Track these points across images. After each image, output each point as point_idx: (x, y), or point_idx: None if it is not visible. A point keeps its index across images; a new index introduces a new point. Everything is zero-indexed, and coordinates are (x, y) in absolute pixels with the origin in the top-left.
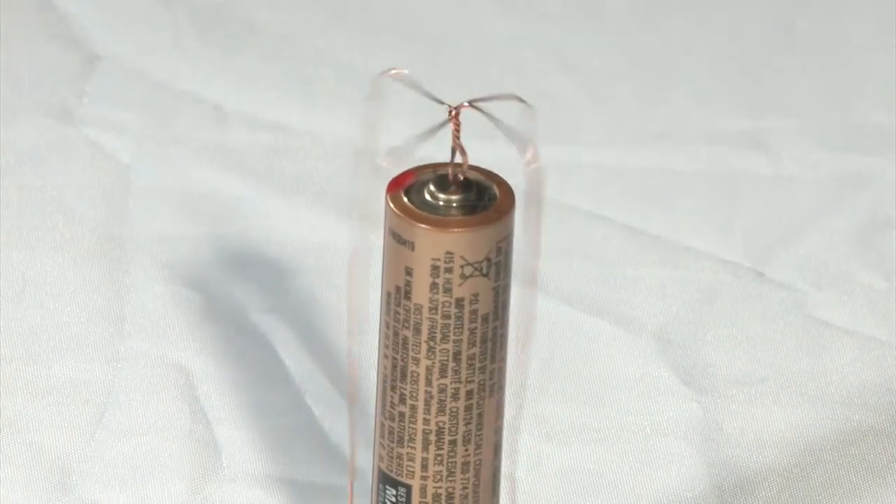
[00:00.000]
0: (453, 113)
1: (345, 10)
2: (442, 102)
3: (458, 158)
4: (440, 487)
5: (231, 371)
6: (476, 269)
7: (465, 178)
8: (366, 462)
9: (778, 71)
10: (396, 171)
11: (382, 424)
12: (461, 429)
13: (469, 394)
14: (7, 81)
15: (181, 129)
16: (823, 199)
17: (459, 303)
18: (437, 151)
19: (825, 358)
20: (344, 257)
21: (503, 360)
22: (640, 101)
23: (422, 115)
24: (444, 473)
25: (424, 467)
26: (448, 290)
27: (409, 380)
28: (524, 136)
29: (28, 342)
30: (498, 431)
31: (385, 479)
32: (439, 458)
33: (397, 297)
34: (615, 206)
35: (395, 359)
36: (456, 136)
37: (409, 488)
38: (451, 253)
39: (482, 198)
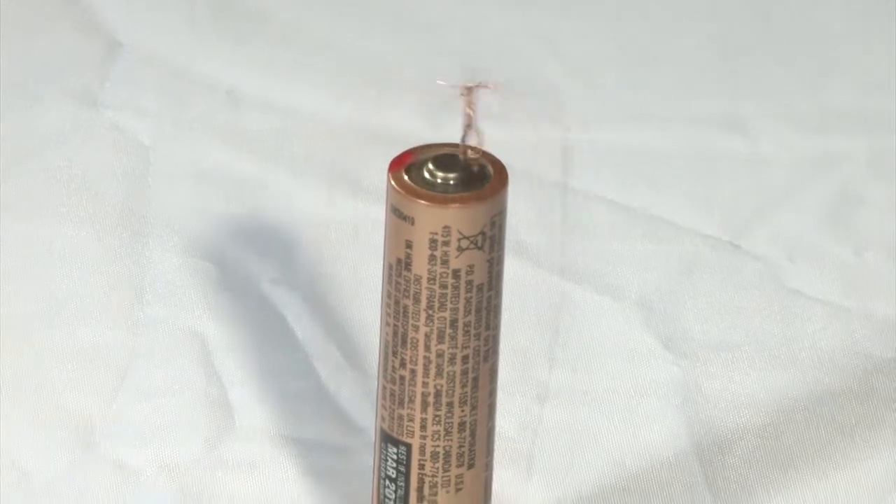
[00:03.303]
0: (466, 95)
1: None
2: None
3: (471, 136)
4: (438, 446)
5: (243, 337)
6: (472, 242)
7: (464, 158)
8: (369, 422)
9: (755, 57)
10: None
11: (384, 387)
12: (458, 391)
13: (465, 358)
14: (34, 68)
15: (197, 112)
16: (796, 177)
17: (456, 274)
18: (435, 133)
19: (797, 325)
20: (350, 230)
21: (497, 327)
22: (626, 84)
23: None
24: (442, 433)
25: (423, 427)
26: (445, 262)
27: (409, 345)
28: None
29: (54, 310)
30: (492, 394)
31: (387, 439)
32: (437, 418)
33: (398, 268)
34: (602, 183)
35: (396, 326)
36: (470, 117)
37: (409, 447)
38: (449, 227)
39: (477, 175)
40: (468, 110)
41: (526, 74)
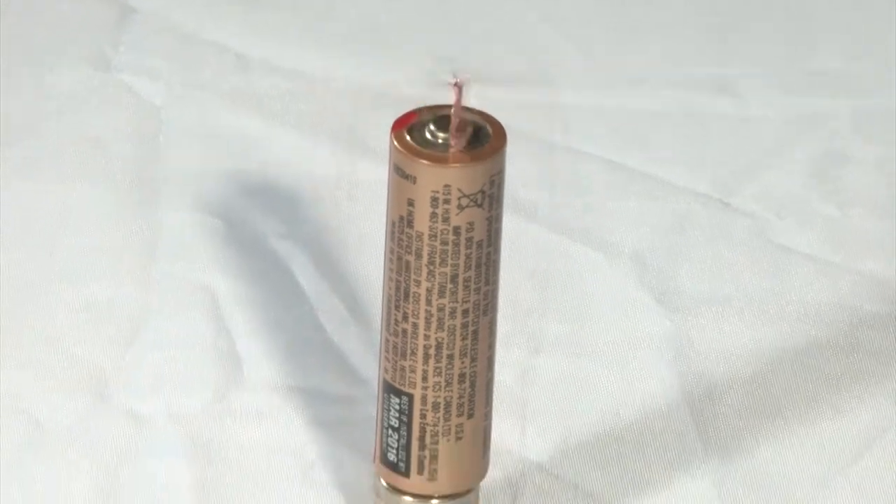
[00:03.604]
0: (457, 89)
1: None
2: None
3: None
4: (439, 396)
5: (252, 291)
6: (471, 200)
7: (462, 120)
8: (372, 374)
9: (744, 23)
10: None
11: (387, 340)
12: (458, 344)
13: (465, 312)
14: (51, 33)
15: (207, 75)
16: (783, 137)
17: (456, 230)
18: (437, 95)
19: (784, 279)
20: (352, 188)
21: (496, 282)
22: (621, 50)
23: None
24: (443, 384)
25: (425, 378)
26: (446, 219)
27: (411, 300)
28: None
29: (69, 266)
30: (491, 346)
31: (389, 389)
32: (438, 370)
33: (401, 225)
34: (597, 143)
35: (398, 281)
36: (458, 107)
37: (411, 397)
38: (449, 186)
39: (477, 136)
40: (457, 103)
41: (524, 43)
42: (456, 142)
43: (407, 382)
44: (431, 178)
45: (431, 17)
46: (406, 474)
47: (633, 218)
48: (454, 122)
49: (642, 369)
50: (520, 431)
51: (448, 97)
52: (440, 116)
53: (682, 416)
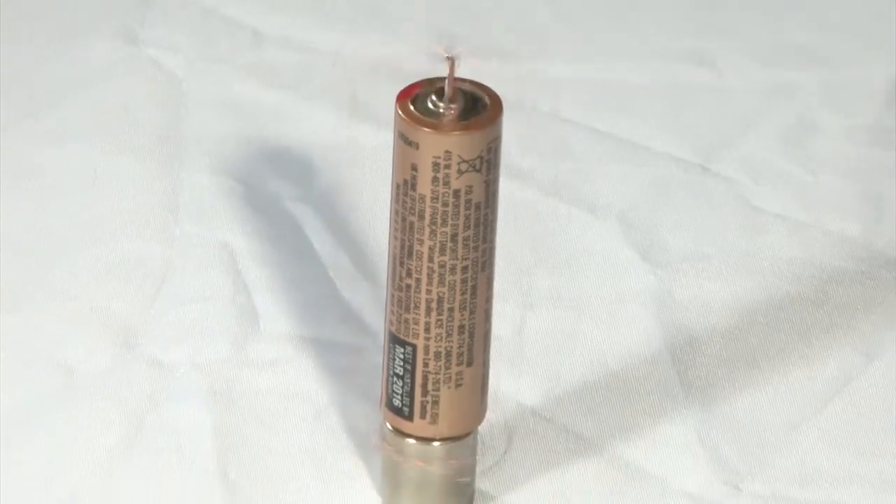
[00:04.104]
0: (449, 63)
1: None
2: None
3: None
4: (440, 346)
5: (267, 249)
6: (470, 165)
7: (462, 90)
8: (379, 325)
9: (722, 0)
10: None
11: (392, 294)
12: (458, 298)
13: (464, 269)
14: (80, 10)
15: (225, 49)
16: (759, 106)
17: (456, 193)
18: (438, 68)
19: (760, 238)
20: (362, 154)
21: (493, 241)
22: (608, 26)
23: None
24: (444, 335)
25: (427, 330)
26: (447, 183)
27: (414, 257)
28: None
29: (98, 226)
30: (489, 300)
31: (394, 340)
32: (439, 322)
33: (404, 188)
34: (586, 113)
35: (403, 240)
36: (451, 77)
37: (414, 347)
38: (450, 152)
39: (475, 106)
40: (450, 76)
41: (517, 21)
42: (449, 111)
43: (411, 333)
44: (433, 144)
45: None
46: (410, 418)
47: (619, 182)
48: (447, 91)
49: (628, 321)
50: (515, 379)
51: (444, 70)
52: (440, 88)
53: (664, 365)
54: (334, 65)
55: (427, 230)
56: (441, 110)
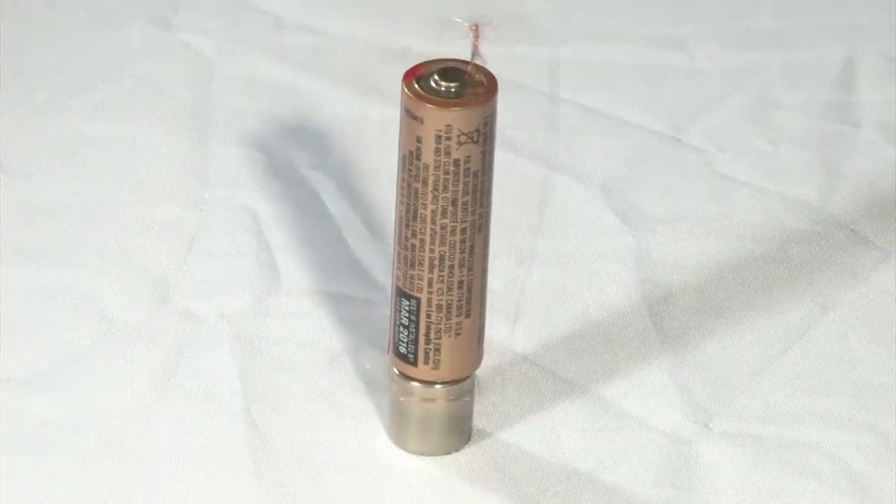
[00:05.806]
0: (474, 30)
1: None
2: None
3: (477, 59)
4: (442, 300)
5: (287, 212)
6: (469, 137)
7: (463, 71)
8: (387, 281)
9: None
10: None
11: (399, 253)
12: (458, 256)
13: (463, 230)
14: None
15: (251, 33)
16: (726, 85)
17: (456, 163)
18: (440, 49)
19: (727, 203)
20: (374, 128)
21: (489, 205)
22: (592, 14)
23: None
24: (445, 289)
25: (430, 285)
26: (448, 153)
27: (418, 220)
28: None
29: (136, 191)
30: (485, 258)
31: (401, 294)
32: (441, 278)
33: (410, 158)
34: (570, 89)
35: (408, 204)
36: (476, 46)
37: (418, 300)
38: (451, 125)
39: (474, 84)
40: (475, 42)
41: (512, 7)
42: (473, 68)
43: (415, 288)
44: (436, 119)
45: None
46: (414, 364)
47: (600, 152)
48: (473, 46)
49: (609, 278)
50: (508, 329)
51: (451, 50)
52: (442, 69)
53: (642, 316)
54: (347, 48)
55: (430, 195)
56: (444, 90)
